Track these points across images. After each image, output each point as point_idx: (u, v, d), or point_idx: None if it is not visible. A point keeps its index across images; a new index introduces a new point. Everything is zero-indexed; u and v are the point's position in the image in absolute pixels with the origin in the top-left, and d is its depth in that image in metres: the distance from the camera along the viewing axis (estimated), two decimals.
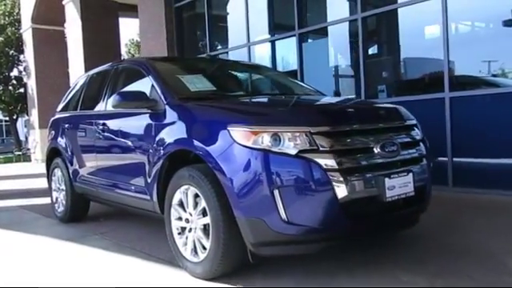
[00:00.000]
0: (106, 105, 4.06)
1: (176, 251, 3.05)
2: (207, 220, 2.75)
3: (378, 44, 6.45)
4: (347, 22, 6.63)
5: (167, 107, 3.19)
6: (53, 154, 5.08)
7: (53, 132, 5.16)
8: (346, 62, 7.16)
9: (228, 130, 2.63)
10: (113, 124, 3.81)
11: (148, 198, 3.33)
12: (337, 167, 2.52)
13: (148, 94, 3.38)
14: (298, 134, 2.54)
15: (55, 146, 4.97)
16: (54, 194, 5.08)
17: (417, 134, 3.06)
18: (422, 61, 6.04)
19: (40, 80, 16.07)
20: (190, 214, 2.91)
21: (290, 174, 2.50)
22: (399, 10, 6.01)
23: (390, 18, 6.24)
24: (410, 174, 2.79)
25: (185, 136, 2.95)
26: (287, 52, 7.57)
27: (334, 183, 2.50)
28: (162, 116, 3.21)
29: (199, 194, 2.79)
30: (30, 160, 17.32)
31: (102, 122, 3.95)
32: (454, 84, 5.42)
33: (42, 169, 12.70)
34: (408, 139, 2.95)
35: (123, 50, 25.49)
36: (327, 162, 2.51)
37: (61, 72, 16.45)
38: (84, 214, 4.90)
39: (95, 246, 3.88)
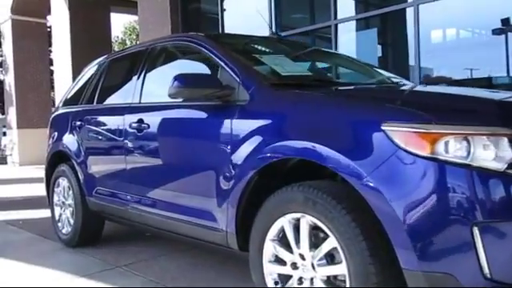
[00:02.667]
0: (141, 95, 3.04)
1: None
2: (341, 269, 1.77)
3: (435, 36, 5.59)
4: (400, 10, 5.74)
5: (253, 97, 2.22)
6: (56, 160, 4.00)
7: (56, 132, 4.09)
8: (396, 55, 6.27)
9: (384, 131, 1.68)
10: (157, 120, 2.79)
11: (217, 226, 2.33)
12: None
13: None
14: (499, 138, 1.61)
15: (60, 149, 3.90)
16: (57, 210, 4.00)
17: None
18: (489, 55, 5.20)
19: (19, 76, 14.75)
20: (302, 257, 1.93)
21: (498, 202, 1.56)
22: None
23: (451, 7, 5.39)
24: None
25: (295, 139, 1.96)
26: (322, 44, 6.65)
27: None
28: (242, 109, 2.24)
29: (325, 228, 1.82)
30: (5, 163, 15.86)
31: (137, 117, 2.93)
32: None
33: (22, 173, 11.48)
34: None
35: None
36: None
37: (42, 68, 15.31)
38: (98, 236, 3.84)
39: (122, 284, 2.86)
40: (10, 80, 15.05)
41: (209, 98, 2.37)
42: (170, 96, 2.36)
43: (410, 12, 5.48)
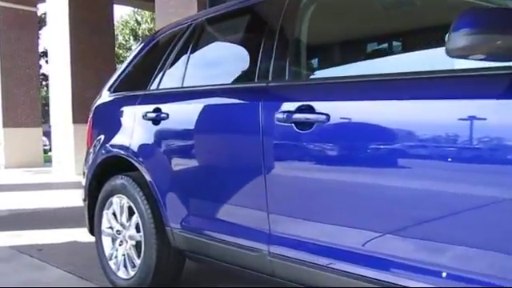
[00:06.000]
0: (288, 70, 1.85)
1: None
2: None
3: None
4: None
5: None
6: (108, 169, 2.76)
7: (105, 129, 2.84)
8: None
9: None
10: (358, 107, 1.60)
11: None
12: None
13: None
14: None
15: (118, 153, 2.65)
16: (107, 242, 2.75)
17: None
18: None
19: (6, 70, 13.32)
20: None
21: None
22: None
23: None
24: None
25: None
26: None
27: None
28: None
29: None
30: None
31: (294, 103, 1.73)
32: None
33: (12, 177, 10.00)
34: None
35: None
36: None
37: (31, 61, 13.92)
38: (175, 282, 2.61)
39: None
40: None
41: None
42: (454, 52, 1.18)
43: None
